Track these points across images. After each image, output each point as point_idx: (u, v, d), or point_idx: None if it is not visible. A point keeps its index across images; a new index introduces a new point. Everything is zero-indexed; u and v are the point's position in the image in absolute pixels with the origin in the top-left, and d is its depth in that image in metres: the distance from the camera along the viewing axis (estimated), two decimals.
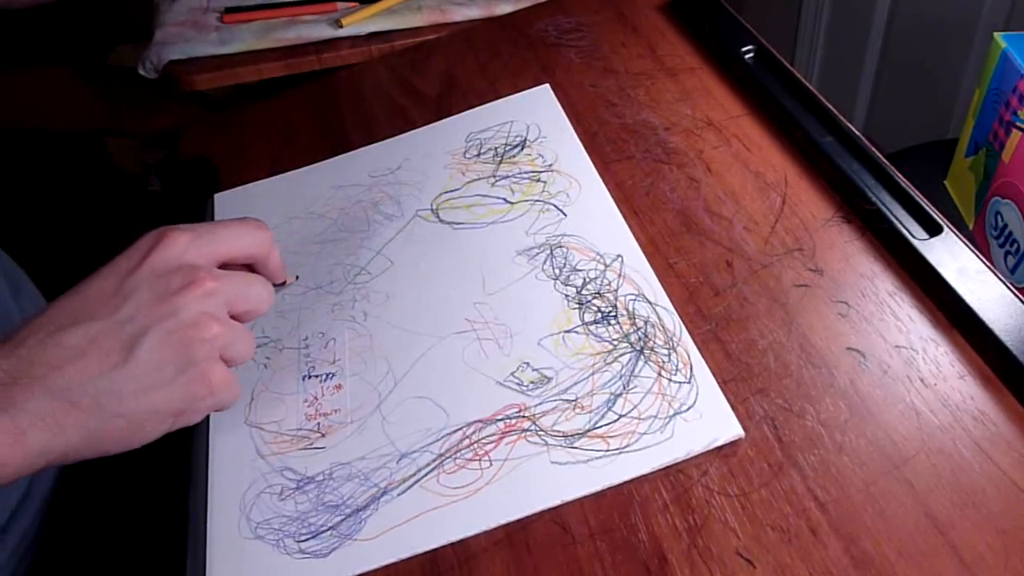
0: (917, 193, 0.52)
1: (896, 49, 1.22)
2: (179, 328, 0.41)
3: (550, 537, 0.42)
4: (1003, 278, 0.47)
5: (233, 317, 0.44)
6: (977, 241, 0.82)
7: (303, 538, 0.44)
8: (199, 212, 0.64)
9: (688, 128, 0.61)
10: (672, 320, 0.49)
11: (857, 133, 0.56)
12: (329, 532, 0.44)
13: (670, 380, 0.47)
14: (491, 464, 0.45)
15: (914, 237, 0.50)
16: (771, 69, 0.63)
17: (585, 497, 0.43)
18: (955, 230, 0.50)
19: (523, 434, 0.46)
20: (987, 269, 0.47)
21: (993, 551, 0.38)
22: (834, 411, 0.44)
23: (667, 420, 0.45)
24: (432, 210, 0.59)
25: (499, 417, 0.47)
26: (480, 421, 0.47)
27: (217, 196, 0.64)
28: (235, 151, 0.66)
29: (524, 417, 0.47)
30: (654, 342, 0.49)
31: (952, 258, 0.48)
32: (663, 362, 0.47)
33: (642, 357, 0.48)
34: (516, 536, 0.42)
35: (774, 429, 0.44)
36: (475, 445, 0.46)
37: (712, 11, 0.69)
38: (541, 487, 0.44)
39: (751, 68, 0.63)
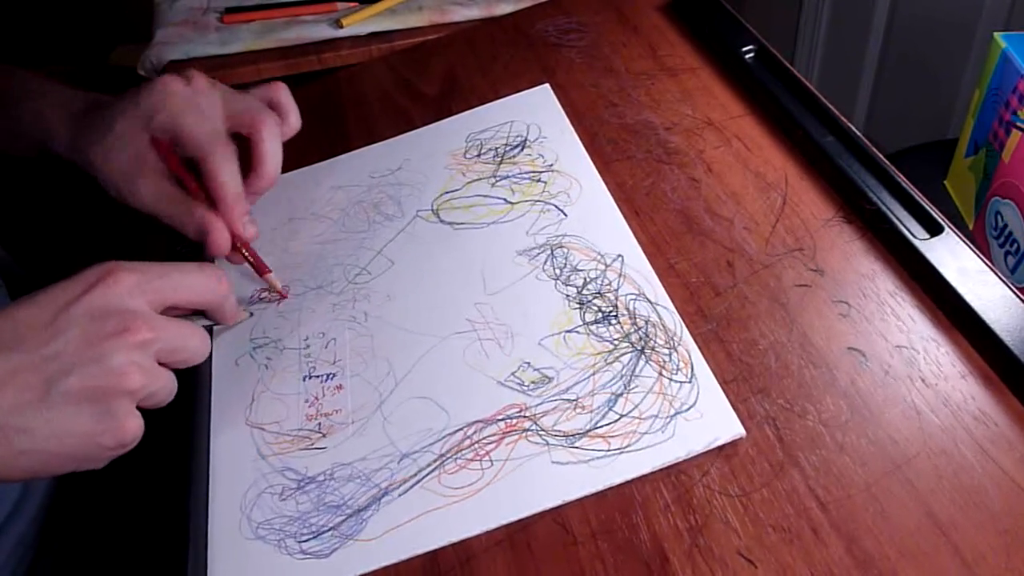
0: (918, 193, 0.52)
1: (896, 49, 1.22)
2: (102, 375, 0.40)
3: (551, 537, 0.42)
4: (1004, 278, 0.47)
5: (163, 364, 0.43)
6: (977, 241, 0.82)
7: (304, 538, 0.44)
8: None
9: (689, 128, 0.61)
10: (673, 320, 0.49)
11: (858, 133, 0.56)
12: (330, 532, 0.44)
13: (671, 380, 0.47)
14: (492, 464, 0.45)
15: (915, 237, 0.50)
16: (771, 69, 0.63)
17: (586, 497, 0.43)
18: (956, 230, 0.50)
19: (524, 434, 0.46)
20: (988, 269, 0.47)
21: (994, 551, 0.38)
22: (835, 411, 0.44)
23: (668, 420, 0.45)
24: (433, 210, 0.59)
25: (500, 417, 0.47)
26: (481, 421, 0.47)
27: None
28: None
29: (525, 417, 0.47)
30: (655, 342, 0.49)
31: (953, 258, 0.48)
32: (664, 362, 0.47)
33: (643, 357, 0.48)
34: (517, 536, 0.42)
35: (775, 429, 0.44)
36: (476, 445, 0.46)
37: (712, 11, 0.69)
38: (542, 487, 0.44)
39: (751, 68, 0.63)
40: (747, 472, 0.43)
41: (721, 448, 0.44)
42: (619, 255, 0.54)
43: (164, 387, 0.43)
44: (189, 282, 0.45)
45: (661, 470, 0.43)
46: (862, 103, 1.31)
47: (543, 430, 0.46)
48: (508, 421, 0.47)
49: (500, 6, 0.83)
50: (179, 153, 0.54)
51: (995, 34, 0.76)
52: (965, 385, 0.44)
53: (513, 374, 0.49)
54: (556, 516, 0.43)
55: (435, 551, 0.42)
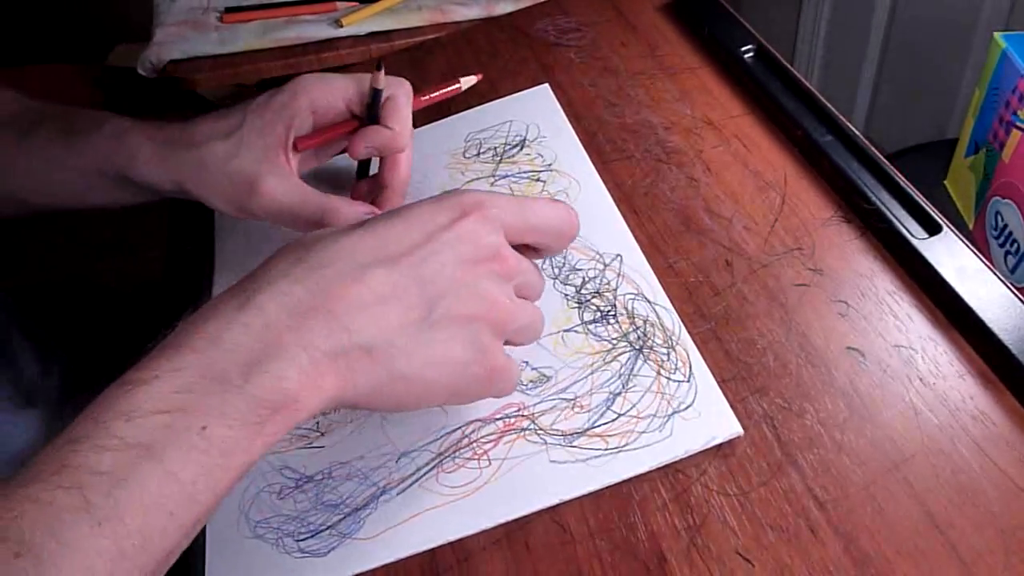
0: (917, 192, 0.52)
1: (896, 49, 1.22)
2: (477, 301, 0.39)
3: (549, 536, 0.42)
4: (1002, 277, 0.47)
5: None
6: (977, 241, 0.82)
7: (302, 537, 0.44)
8: (201, 218, 0.63)
9: (688, 128, 0.61)
10: (671, 319, 0.49)
11: (856, 132, 0.56)
12: (328, 531, 0.44)
13: (669, 379, 0.47)
14: (490, 463, 0.45)
15: (913, 236, 0.50)
16: (771, 69, 0.63)
17: (584, 496, 0.43)
18: (954, 229, 0.50)
19: (522, 433, 0.46)
20: (986, 268, 0.47)
21: (992, 550, 0.38)
22: (833, 410, 0.44)
23: (666, 419, 0.45)
24: None
25: (498, 416, 0.47)
26: (479, 420, 0.47)
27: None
28: None
29: (523, 416, 0.47)
30: (653, 341, 0.49)
31: (951, 257, 0.48)
32: (662, 361, 0.47)
33: (641, 356, 0.48)
34: (515, 535, 0.42)
35: (773, 428, 0.44)
36: (474, 444, 0.46)
37: (712, 11, 0.69)
38: (540, 486, 0.44)
39: (751, 68, 0.63)
40: (745, 471, 0.43)
41: (719, 447, 0.44)
42: (618, 254, 0.53)
43: (533, 323, 0.42)
44: (547, 214, 0.43)
45: (659, 469, 0.43)
46: (862, 103, 1.31)
47: (541, 429, 0.46)
48: (506, 420, 0.47)
49: (499, 6, 0.83)
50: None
51: (995, 34, 0.76)
52: (963, 384, 0.44)
53: None
54: (554, 515, 0.43)
55: (433, 550, 0.42)
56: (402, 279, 0.37)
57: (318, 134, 0.52)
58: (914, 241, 0.49)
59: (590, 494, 0.43)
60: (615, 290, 0.52)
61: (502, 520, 0.43)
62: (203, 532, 0.45)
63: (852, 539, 0.40)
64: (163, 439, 0.32)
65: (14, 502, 0.30)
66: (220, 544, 0.44)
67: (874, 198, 0.52)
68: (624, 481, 0.43)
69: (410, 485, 0.45)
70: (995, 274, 0.47)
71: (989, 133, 0.78)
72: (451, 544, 0.42)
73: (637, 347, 0.48)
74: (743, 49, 0.64)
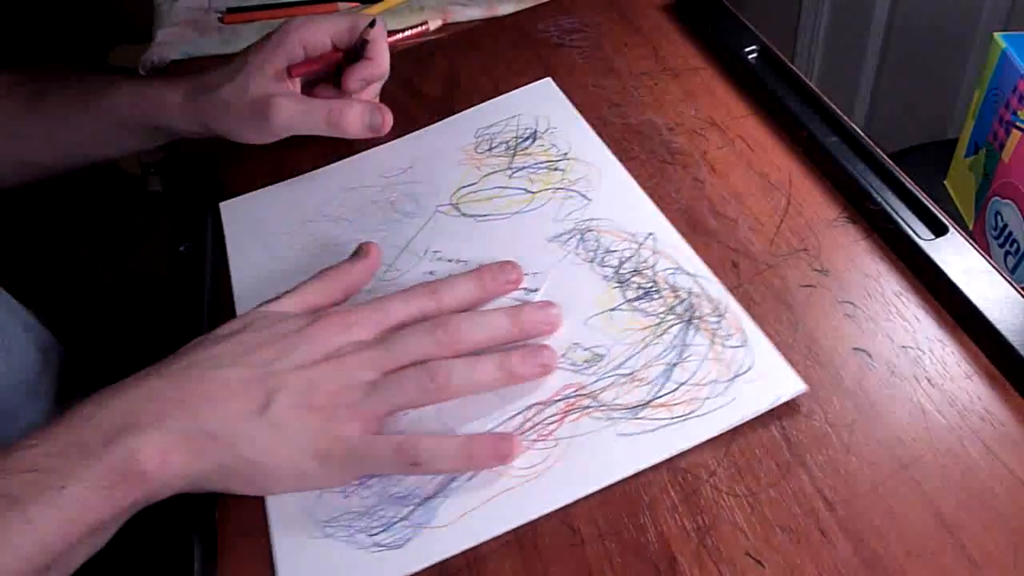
0: (923, 194, 0.52)
1: (896, 49, 1.22)
2: (315, 394, 0.44)
3: (559, 538, 0.42)
4: (1009, 279, 0.47)
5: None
6: (977, 241, 0.82)
7: (375, 531, 0.43)
8: (202, 218, 0.63)
9: (692, 128, 0.61)
10: (716, 288, 0.50)
11: (862, 133, 0.56)
12: (401, 523, 0.43)
13: (724, 346, 0.47)
14: (557, 443, 0.45)
15: (920, 238, 0.50)
16: (775, 69, 0.63)
17: (593, 497, 0.43)
18: (961, 231, 0.50)
19: (585, 411, 0.46)
20: (993, 270, 0.48)
21: (1002, 550, 0.39)
22: (841, 411, 0.44)
23: (728, 384, 0.45)
24: (452, 204, 0.59)
25: (558, 398, 0.47)
26: (539, 404, 0.47)
27: (223, 204, 0.63)
28: (236, 153, 0.66)
29: (583, 395, 0.46)
30: (701, 311, 0.49)
31: (958, 258, 0.48)
32: (714, 329, 0.47)
33: (691, 326, 0.48)
34: (525, 537, 0.42)
35: (782, 429, 0.44)
36: (538, 427, 0.46)
37: (715, 11, 0.69)
38: (611, 460, 0.44)
39: (755, 68, 0.63)
40: (754, 472, 0.43)
41: (727, 448, 0.44)
42: (650, 233, 0.53)
43: (413, 395, 0.46)
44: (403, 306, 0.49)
45: (668, 471, 0.43)
46: (862, 103, 1.31)
47: (604, 405, 0.46)
48: (567, 401, 0.46)
49: (502, 6, 0.83)
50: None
51: (995, 34, 0.77)
52: (971, 385, 0.44)
53: (564, 355, 0.48)
54: (563, 517, 0.43)
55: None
56: (249, 376, 0.44)
57: (309, 62, 0.62)
58: (920, 242, 0.49)
59: (598, 495, 0.43)
60: (653, 267, 0.52)
61: (581, 494, 0.43)
62: (267, 538, 0.44)
63: (862, 540, 0.40)
64: (28, 494, 0.39)
65: None
66: (288, 547, 0.43)
67: (880, 199, 0.52)
68: (633, 482, 0.43)
69: (479, 471, 0.44)
70: (1002, 275, 0.47)
71: (989, 133, 0.78)
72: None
73: (685, 319, 0.48)
74: (747, 50, 0.64)
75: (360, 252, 0.53)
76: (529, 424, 0.46)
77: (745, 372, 0.45)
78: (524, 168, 0.60)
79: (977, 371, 0.45)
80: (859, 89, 1.29)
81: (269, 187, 0.64)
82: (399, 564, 0.42)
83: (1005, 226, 0.77)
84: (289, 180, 0.64)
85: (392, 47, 0.64)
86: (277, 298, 0.50)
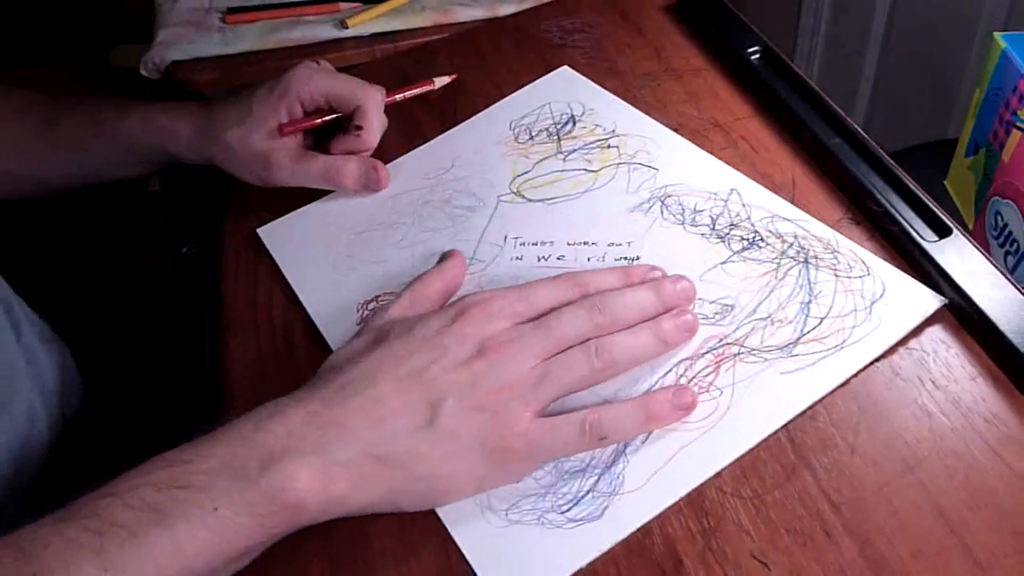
0: (926, 195, 0.52)
1: (896, 49, 1.22)
2: (477, 393, 0.42)
3: None
4: (1012, 280, 0.47)
5: None
6: (977, 241, 0.82)
7: (565, 508, 0.42)
8: (207, 220, 0.63)
9: (695, 129, 0.61)
10: (819, 228, 0.50)
11: (865, 135, 0.56)
12: (590, 495, 0.42)
13: (849, 277, 0.48)
14: (721, 392, 0.45)
15: (923, 239, 0.50)
16: (777, 70, 0.63)
17: None
18: (964, 232, 0.50)
19: (737, 358, 0.46)
20: (996, 271, 0.48)
21: (1007, 552, 0.39)
22: (846, 413, 0.44)
23: (868, 310, 0.46)
24: (515, 192, 0.59)
25: (704, 351, 0.47)
26: (687, 359, 0.47)
27: (261, 230, 0.61)
28: None
29: (729, 344, 0.47)
30: (814, 251, 0.49)
31: (962, 260, 0.48)
32: (834, 264, 0.48)
33: (810, 266, 0.49)
34: None
35: (786, 431, 0.44)
36: (695, 380, 0.46)
37: (717, 12, 0.69)
38: (782, 397, 0.44)
39: (757, 69, 0.63)
40: (759, 474, 0.43)
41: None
42: (732, 189, 0.54)
43: (589, 361, 0.45)
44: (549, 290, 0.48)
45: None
46: (862, 103, 1.31)
47: (755, 349, 0.46)
48: (714, 352, 0.47)
49: (503, 6, 0.83)
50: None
51: (995, 34, 0.76)
52: (975, 387, 0.44)
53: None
54: None
55: (447, 555, 0.42)
56: (407, 388, 0.42)
57: (298, 123, 0.62)
58: (924, 244, 0.49)
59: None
60: (749, 218, 0.52)
61: (762, 436, 0.43)
62: (450, 539, 0.43)
63: (867, 541, 0.40)
64: (178, 512, 0.37)
65: (48, 533, 0.36)
66: (475, 543, 0.42)
67: (883, 200, 0.52)
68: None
69: (651, 432, 0.44)
70: (1006, 276, 0.47)
71: (989, 133, 0.78)
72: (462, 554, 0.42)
73: (801, 260, 0.49)
74: (749, 50, 0.64)
75: (446, 255, 0.53)
76: (685, 380, 0.46)
77: (881, 297, 0.46)
78: (575, 150, 0.60)
79: (981, 372, 0.45)
80: (859, 89, 1.29)
81: (303, 208, 0.62)
82: (602, 534, 0.41)
83: (1005, 226, 0.77)
84: (323, 199, 0.62)
85: (390, 100, 0.64)
86: (393, 302, 0.48)
